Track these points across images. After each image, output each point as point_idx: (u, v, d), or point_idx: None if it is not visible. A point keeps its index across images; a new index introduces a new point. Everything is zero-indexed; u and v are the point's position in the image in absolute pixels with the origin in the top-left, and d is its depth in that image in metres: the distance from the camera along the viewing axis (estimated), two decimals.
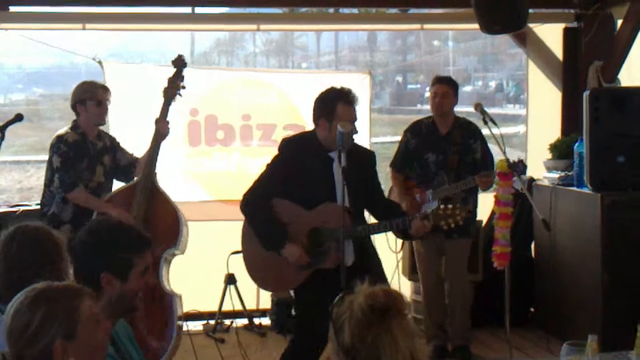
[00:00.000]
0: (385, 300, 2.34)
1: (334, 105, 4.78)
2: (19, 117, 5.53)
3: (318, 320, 4.60)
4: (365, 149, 5.20)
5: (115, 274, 3.03)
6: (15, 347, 2.49)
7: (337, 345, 2.34)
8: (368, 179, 4.99)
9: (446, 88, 6.18)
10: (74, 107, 5.74)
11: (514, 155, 5.82)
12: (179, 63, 5.88)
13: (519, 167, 5.62)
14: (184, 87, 5.82)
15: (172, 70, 5.84)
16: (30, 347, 2.47)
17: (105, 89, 5.80)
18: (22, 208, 6.64)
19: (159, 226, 5.56)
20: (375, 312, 2.31)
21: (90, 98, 5.68)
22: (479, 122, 6.07)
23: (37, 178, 18.97)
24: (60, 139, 5.65)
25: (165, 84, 5.80)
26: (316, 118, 4.89)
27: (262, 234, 4.93)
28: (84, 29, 6.98)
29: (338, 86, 4.93)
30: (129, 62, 7.15)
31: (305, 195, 4.84)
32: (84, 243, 3.13)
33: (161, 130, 5.73)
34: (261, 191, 4.94)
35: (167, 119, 5.77)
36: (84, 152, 5.67)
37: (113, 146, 5.85)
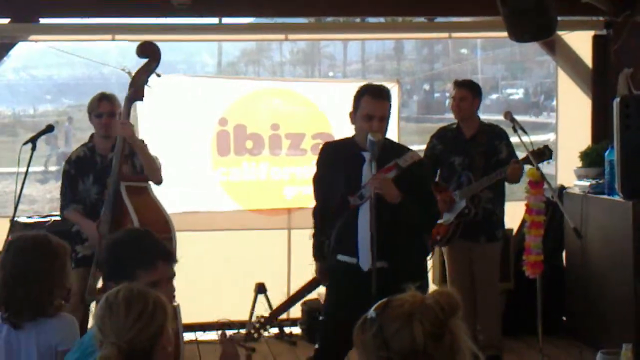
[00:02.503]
0: (456, 298, 2.29)
1: (361, 96, 4.68)
2: (49, 128, 5.58)
3: (344, 326, 4.64)
4: (417, 159, 4.84)
5: (117, 283, 3.00)
6: (128, 334, 2.56)
7: (388, 352, 2.23)
8: (413, 188, 4.70)
9: (464, 92, 6.16)
10: (89, 120, 5.77)
11: (543, 164, 5.79)
12: (150, 51, 5.38)
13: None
14: (149, 86, 5.36)
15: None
16: (144, 332, 2.58)
17: (108, 100, 5.64)
18: (52, 218, 6.69)
19: None
20: (451, 308, 2.25)
21: (92, 111, 5.66)
22: (508, 130, 6.06)
23: None
24: (67, 158, 5.74)
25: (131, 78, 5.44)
26: (350, 115, 4.78)
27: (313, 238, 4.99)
28: (113, 39, 7.03)
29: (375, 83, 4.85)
30: (158, 73, 7.16)
31: (329, 194, 4.78)
32: (104, 250, 3.24)
33: (120, 132, 5.31)
34: (317, 202, 4.96)
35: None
36: (89, 167, 5.63)
37: (132, 152, 5.60)
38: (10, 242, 3.79)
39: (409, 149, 4.85)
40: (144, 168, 5.45)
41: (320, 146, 5.04)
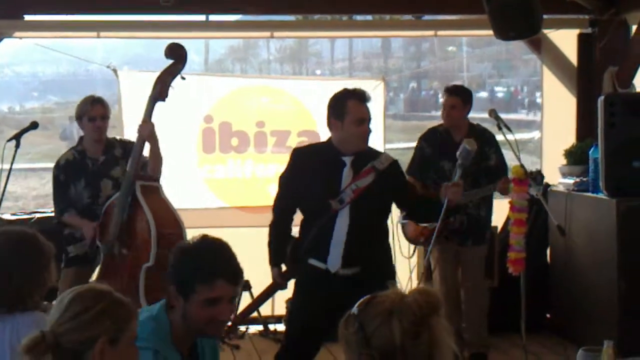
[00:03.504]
0: (437, 296, 2.32)
1: (345, 102, 4.68)
2: (34, 125, 5.56)
3: (310, 330, 4.67)
4: (391, 160, 4.87)
5: (179, 291, 3.01)
6: (58, 328, 2.49)
7: (369, 349, 2.25)
8: (396, 188, 4.79)
9: (454, 100, 6.16)
10: (77, 122, 5.72)
11: (528, 161, 5.82)
12: (177, 54, 5.36)
13: (538, 178, 5.67)
14: (172, 87, 5.33)
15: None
16: (75, 333, 2.48)
17: (101, 104, 5.60)
18: (37, 215, 6.67)
19: (134, 240, 5.28)
20: (430, 306, 2.27)
21: (84, 114, 5.57)
22: (493, 128, 6.07)
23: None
24: (56, 162, 5.67)
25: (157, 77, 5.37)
26: (328, 121, 4.80)
27: (269, 246, 4.95)
28: (98, 37, 7.02)
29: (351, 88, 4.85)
30: (144, 70, 7.15)
31: (308, 198, 4.74)
32: (178, 248, 3.14)
33: (140, 131, 5.33)
34: (277, 205, 4.94)
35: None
36: (80, 172, 5.58)
37: (126, 154, 5.58)
38: None
39: (381, 152, 4.95)
40: (150, 164, 5.43)
41: (292, 150, 5.04)
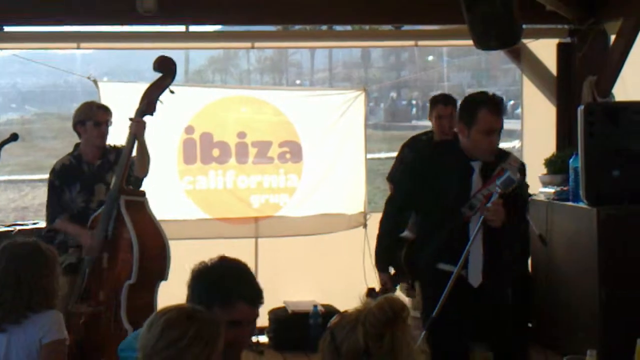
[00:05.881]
0: (401, 303, 2.42)
1: (476, 109, 4.47)
2: (14, 137, 5.52)
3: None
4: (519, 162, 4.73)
5: None
6: (154, 357, 2.51)
7: (339, 356, 2.38)
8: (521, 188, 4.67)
9: (450, 109, 6.18)
10: (74, 128, 5.72)
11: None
12: (167, 67, 5.36)
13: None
14: (161, 102, 5.34)
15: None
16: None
17: (105, 110, 5.71)
18: (18, 227, 6.62)
19: (116, 256, 5.26)
20: (394, 312, 2.37)
21: (89, 119, 5.63)
22: None
23: (32, 197, 18.96)
24: (51, 168, 5.69)
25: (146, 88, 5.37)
26: (457, 122, 4.62)
27: (376, 247, 4.84)
28: (78, 48, 6.99)
29: (490, 93, 4.63)
30: (124, 81, 7.13)
31: (435, 202, 4.58)
32: (196, 270, 3.05)
33: (132, 127, 5.33)
34: (393, 203, 4.82)
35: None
36: (75, 176, 5.62)
37: (118, 159, 5.58)
38: (2, 249, 3.83)
39: (509, 152, 4.72)
40: (137, 165, 5.44)
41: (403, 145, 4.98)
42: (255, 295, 2.97)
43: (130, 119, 5.36)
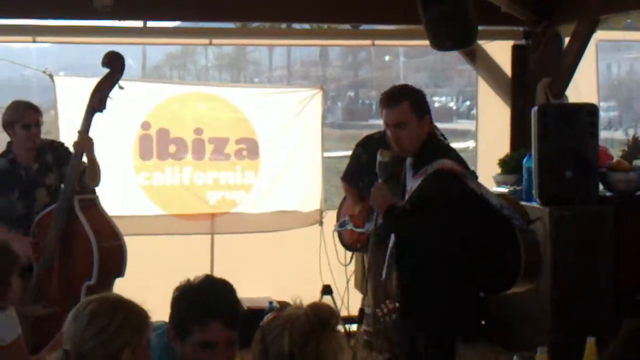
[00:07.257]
0: (329, 312, 2.49)
1: (380, 106, 4.64)
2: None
3: None
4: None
5: (176, 332, 2.90)
6: (84, 346, 2.51)
7: (267, 357, 2.46)
8: None
9: None
10: (4, 129, 5.47)
11: None
12: (115, 63, 5.26)
13: None
14: (111, 98, 5.22)
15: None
16: (101, 349, 2.52)
17: (35, 110, 5.40)
18: None
19: (73, 257, 5.20)
20: (319, 320, 2.44)
21: (17, 121, 5.35)
22: None
23: None
24: None
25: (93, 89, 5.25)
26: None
27: None
28: (34, 41, 6.92)
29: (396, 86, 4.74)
30: (80, 76, 7.07)
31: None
32: (178, 288, 3.02)
33: (76, 146, 5.21)
34: None
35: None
36: (13, 181, 5.39)
37: (59, 160, 5.47)
38: None
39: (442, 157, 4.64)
40: (87, 175, 5.29)
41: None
42: (230, 317, 2.88)
43: (78, 132, 5.22)
